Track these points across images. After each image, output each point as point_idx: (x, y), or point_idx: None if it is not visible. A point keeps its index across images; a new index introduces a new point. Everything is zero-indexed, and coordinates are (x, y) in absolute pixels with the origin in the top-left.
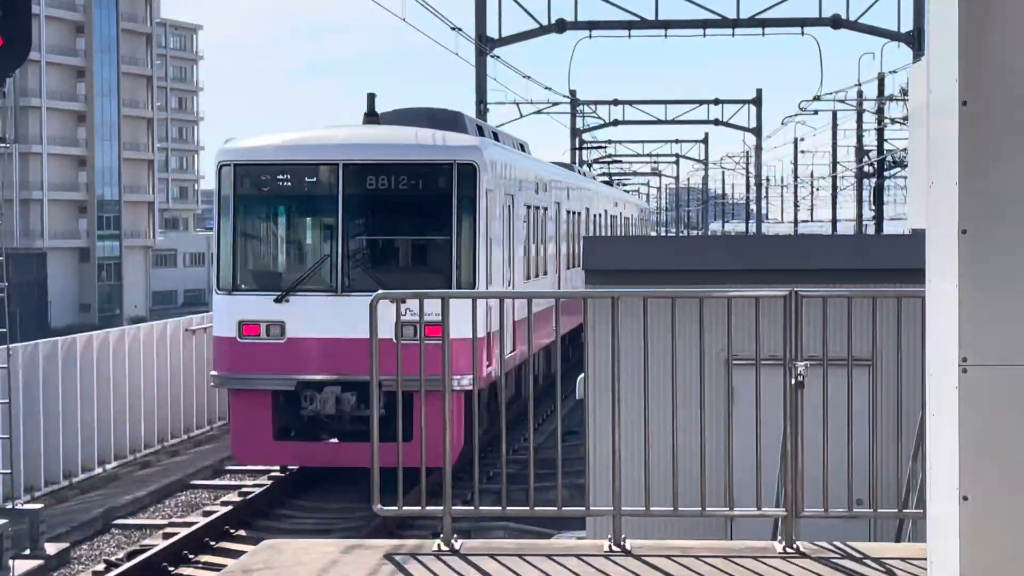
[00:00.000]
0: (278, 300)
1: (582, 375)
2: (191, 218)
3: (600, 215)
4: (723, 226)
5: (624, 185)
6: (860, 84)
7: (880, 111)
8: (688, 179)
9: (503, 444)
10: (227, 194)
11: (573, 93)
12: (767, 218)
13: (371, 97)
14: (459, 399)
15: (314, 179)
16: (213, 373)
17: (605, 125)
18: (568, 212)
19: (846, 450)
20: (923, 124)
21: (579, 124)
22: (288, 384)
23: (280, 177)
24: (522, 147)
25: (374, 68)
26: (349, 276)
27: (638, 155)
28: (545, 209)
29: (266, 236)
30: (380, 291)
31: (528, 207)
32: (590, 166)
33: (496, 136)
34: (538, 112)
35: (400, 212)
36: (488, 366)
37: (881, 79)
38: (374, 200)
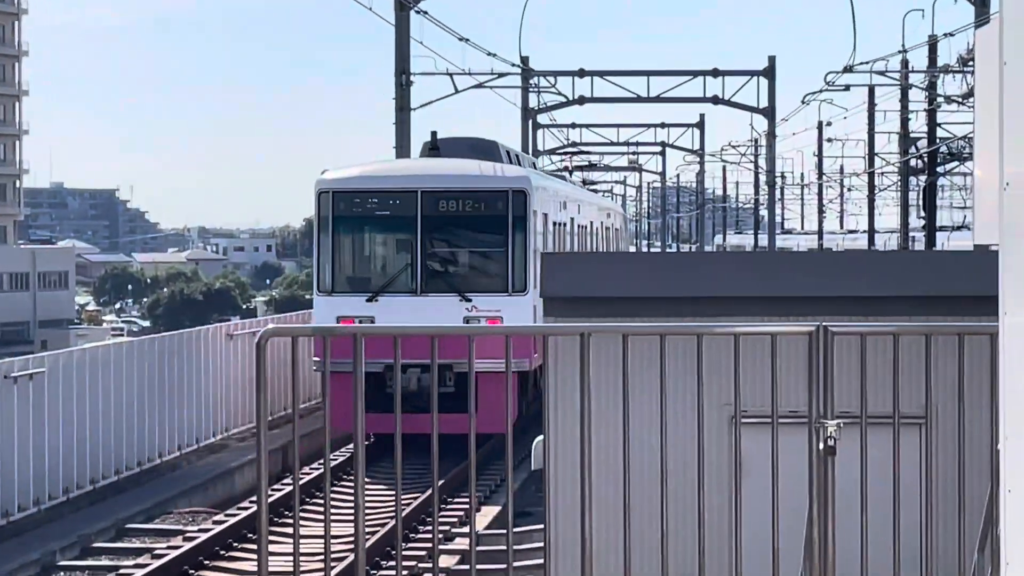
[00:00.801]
0: (369, 300)
1: (539, 438)
2: (12, 226)
3: (599, 227)
4: (725, 239)
5: (592, 184)
6: (905, 51)
7: (931, 86)
8: (678, 175)
9: (434, 533)
10: (326, 215)
11: (525, 61)
12: (783, 228)
13: (434, 135)
14: (514, 377)
15: (397, 203)
16: (315, 359)
17: (568, 103)
18: (579, 226)
19: (891, 536)
20: (993, 106)
21: (533, 102)
22: (377, 367)
23: (369, 201)
24: (533, 165)
25: (267, 26)
26: (426, 280)
27: (612, 143)
28: (565, 224)
29: (358, 248)
30: (270, 327)
31: (555, 223)
32: (569, 168)
33: (518, 159)
34: (479, 86)
35: (466, 229)
36: (535, 354)
37: (933, 44)
38: (445, 220)
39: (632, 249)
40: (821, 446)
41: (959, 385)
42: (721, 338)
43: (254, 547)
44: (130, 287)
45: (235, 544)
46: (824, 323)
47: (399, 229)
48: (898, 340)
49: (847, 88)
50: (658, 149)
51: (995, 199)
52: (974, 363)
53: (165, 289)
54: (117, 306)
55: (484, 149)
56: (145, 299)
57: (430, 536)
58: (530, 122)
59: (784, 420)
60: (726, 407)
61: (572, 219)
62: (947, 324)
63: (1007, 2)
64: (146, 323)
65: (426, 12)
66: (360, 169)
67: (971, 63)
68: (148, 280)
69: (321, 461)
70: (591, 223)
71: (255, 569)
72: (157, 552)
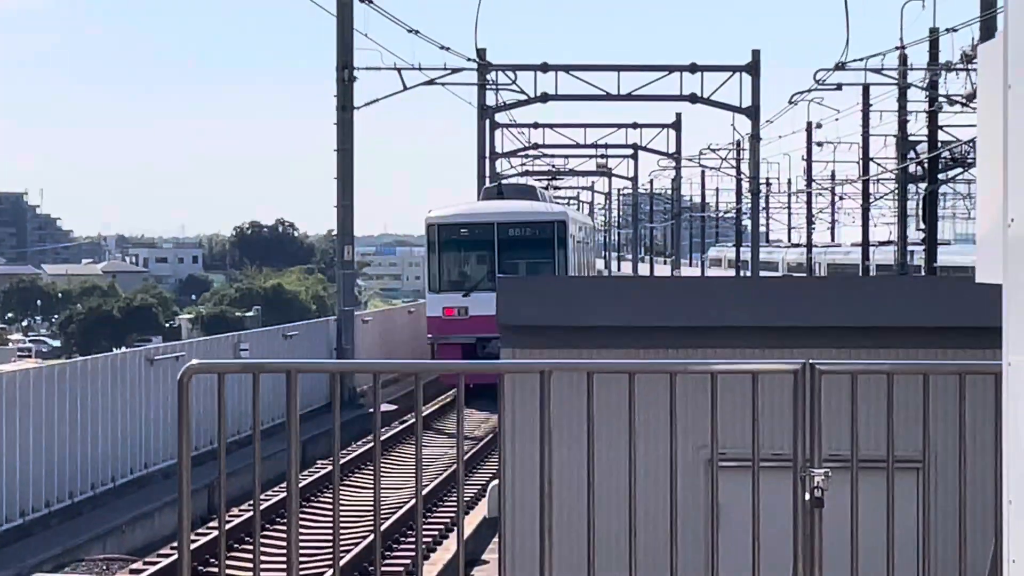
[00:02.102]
0: (464, 295)
1: (494, 483)
2: None
3: (591, 242)
4: (703, 252)
5: (556, 190)
6: (903, 46)
7: (932, 85)
8: (651, 181)
9: None
10: (433, 240)
11: (481, 54)
12: (768, 241)
13: (499, 184)
14: None
15: (480, 230)
16: (428, 336)
17: (529, 101)
18: (586, 243)
19: None
20: (997, 129)
21: (490, 100)
22: (471, 340)
23: (462, 229)
24: (552, 197)
25: (195, 13)
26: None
27: (578, 145)
28: (580, 242)
29: (455, 261)
30: (195, 363)
31: (577, 241)
32: (543, 176)
33: (545, 195)
34: (430, 82)
35: (527, 247)
36: None
37: (934, 39)
38: (513, 241)
39: (599, 262)
40: (807, 496)
41: (960, 427)
42: (697, 376)
43: None
44: (39, 302)
45: None
46: (811, 360)
47: (482, 248)
48: (893, 379)
49: (839, 87)
50: (630, 152)
51: (998, 234)
52: (977, 402)
53: (79, 305)
54: (24, 324)
55: (526, 190)
56: (56, 316)
57: None
58: (487, 122)
59: (767, 464)
60: (703, 451)
61: (584, 238)
62: (946, 363)
63: (1012, 16)
64: (57, 343)
65: (371, 1)
66: (456, 208)
67: (975, 60)
68: (59, 294)
69: (251, 503)
70: (593, 240)
71: None
72: None
